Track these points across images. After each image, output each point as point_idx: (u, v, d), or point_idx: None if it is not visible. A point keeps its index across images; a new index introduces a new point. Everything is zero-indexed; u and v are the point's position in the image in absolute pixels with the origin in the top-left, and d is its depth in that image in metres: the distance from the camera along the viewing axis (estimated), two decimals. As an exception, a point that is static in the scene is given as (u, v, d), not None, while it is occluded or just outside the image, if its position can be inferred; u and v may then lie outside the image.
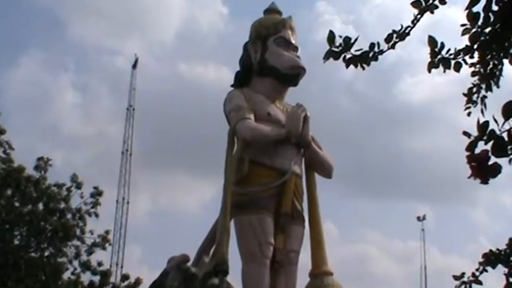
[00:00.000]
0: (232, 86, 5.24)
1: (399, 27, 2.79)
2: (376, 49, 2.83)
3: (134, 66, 27.26)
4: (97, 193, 19.12)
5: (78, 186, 19.03)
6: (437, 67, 2.82)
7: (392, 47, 2.81)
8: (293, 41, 5.20)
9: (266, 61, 5.08)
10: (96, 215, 18.85)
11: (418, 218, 28.39)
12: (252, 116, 4.79)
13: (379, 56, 2.84)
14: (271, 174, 4.76)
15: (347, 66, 2.83)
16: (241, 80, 5.19)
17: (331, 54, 2.80)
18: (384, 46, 2.82)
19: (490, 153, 2.08)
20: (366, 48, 2.79)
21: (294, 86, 5.22)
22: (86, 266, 18.29)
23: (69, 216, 18.49)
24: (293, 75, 5.09)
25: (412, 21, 2.78)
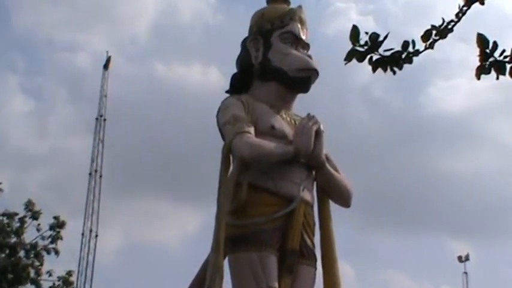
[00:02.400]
0: (227, 92, 5.24)
1: (440, 22, 2.76)
2: (410, 48, 2.81)
3: (106, 66, 27.23)
4: (57, 224, 18.64)
5: (34, 216, 18.58)
6: (488, 73, 2.78)
7: (431, 46, 2.76)
8: (303, 37, 5.20)
9: (270, 62, 5.08)
10: (56, 252, 18.45)
11: (460, 259, 27.59)
12: (252, 130, 4.76)
13: (414, 58, 2.81)
14: (275, 201, 4.75)
15: (374, 70, 2.80)
16: (239, 85, 5.19)
17: (354, 55, 2.76)
18: (419, 45, 2.81)
19: None
20: (395, 47, 2.80)
21: (304, 92, 5.20)
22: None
23: (21, 253, 18.15)
24: (303, 79, 5.08)
25: (457, 14, 2.72)
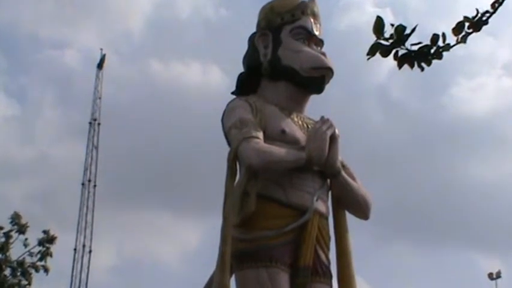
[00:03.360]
0: (233, 93, 5.26)
1: (474, 13, 2.71)
2: (440, 42, 2.78)
3: (100, 65, 27.22)
4: (47, 239, 18.34)
5: (21, 230, 18.34)
6: None
7: (463, 40, 2.71)
8: (316, 32, 5.21)
9: (280, 60, 5.09)
10: (46, 270, 18.13)
11: (491, 276, 27.43)
12: (260, 135, 4.75)
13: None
14: (286, 213, 4.73)
15: (400, 66, 2.78)
16: (246, 85, 5.21)
17: (378, 49, 2.74)
18: (450, 39, 2.77)
19: None
20: (417, 41, 2.77)
21: (318, 93, 5.20)
22: None
23: (7, 271, 17.90)
24: (316, 78, 5.08)
25: (493, 5, 2.66)
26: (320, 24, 5.27)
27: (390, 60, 3.38)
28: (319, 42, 5.22)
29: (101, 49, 28.25)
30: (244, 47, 5.35)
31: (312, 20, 5.21)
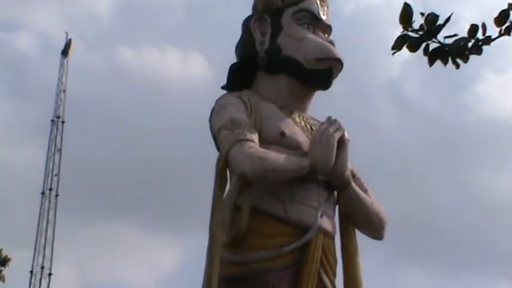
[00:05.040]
0: (223, 88, 5.25)
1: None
2: (479, 35, 2.73)
3: (65, 52, 26.90)
4: (0, 260, 18.45)
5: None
6: None
7: (508, 32, 2.68)
8: (323, 17, 5.21)
9: (280, 49, 5.09)
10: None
11: None
12: (255, 137, 4.73)
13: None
14: (285, 231, 4.71)
15: (431, 62, 2.78)
16: (239, 78, 5.18)
17: (406, 42, 2.73)
18: (492, 30, 2.73)
19: None
20: (457, 33, 2.74)
21: (324, 88, 5.19)
22: None
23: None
24: (323, 71, 5.07)
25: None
26: (327, 7, 5.25)
27: (403, 50, 3.38)
28: (327, 29, 5.20)
29: (66, 33, 28.05)
30: (234, 31, 5.33)
31: (318, 1, 5.20)
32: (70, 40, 27.37)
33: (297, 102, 5.08)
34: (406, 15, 2.72)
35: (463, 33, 2.95)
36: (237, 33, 5.33)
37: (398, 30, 3.30)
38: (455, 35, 2.83)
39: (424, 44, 2.83)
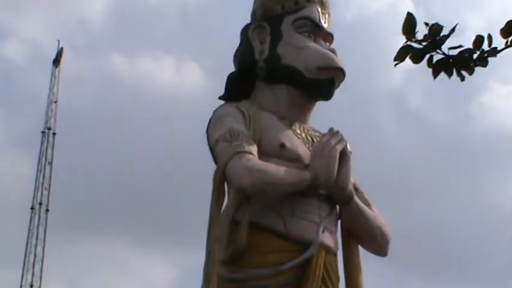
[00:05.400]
0: (221, 98, 5.24)
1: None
2: (485, 46, 2.74)
3: (56, 61, 26.79)
4: None
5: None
6: None
7: None
8: (324, 25, 5.21)
9: (279, 58, 5.09)
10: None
11: None
12: (254, 149, 4.71)
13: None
14: (285, 247, 4.69)
15: (435, 74, 2.79)
16: (237, 88, 5.19)
17: (408, 53, 2.74)
18: (498, 41, 2.74)
19: None
20: (462, 43, 2.75)
21: (326, 99, 5.19)
22: None
23: None
24: (324, 81, 5.07)
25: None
26: (329, 15, 5.24)
27: (406, 60, 3.42)
28: (328, 37, 5.20)
29: (58, 41, 28.00)
30: (230, 40, 5.33)
31: (319, 9, 5.19)
32: (62, 49, 27.35)
33: (297, 113, 5.07)
34: (409, 25, 2.73)
35: (469, 43, 2.97)
36: (233, 41, 5.33)
37: (401, 39, 3.34)
38: (460, 46, 2.86)
39: (427, 55, 2.84)
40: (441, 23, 2.92)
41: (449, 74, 2.91)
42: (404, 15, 2.90)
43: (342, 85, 5.19)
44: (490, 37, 2.84)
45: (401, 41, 3.19)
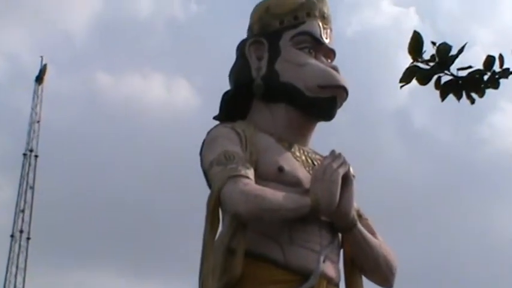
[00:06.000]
0: (215, 118, 5.25)
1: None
2: (496, 67, 2.72)
3: (39, 79, 26.73)
4: None
5: None
6: None
7: None
8: (326, 40, 5.22)
9: (278, 75, 5.09)
10: None
11: None
12: (251, 173, 4.69)
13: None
14: (283, 278, 4.67)
15: (443, 97, 2.79)
16: (233, 107, 5.20)
17: (415, 74, 2.72)
18: (509, 60, 2.73)
19: None
20: (471, 59, 2.73)
21: (327, 119, 5.18)
22: None
23: None
24: (326, 100, 5.07)
25: None
26: (331, 30, 5.24)
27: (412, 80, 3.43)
28: (330, 53, 5.19)
29: (41, 57, 27.90)
30: (223, 56, 5.37)
31: (320, 23, 5.18)
32: (45, 66, 27.19)
33: (296, 134, 5.06)
34: (416, 44, 2.74)
35: (477, 59, 2.98)
36: (226, 57, 5.33)
37: (406, 55, 3.35)
38: (469, 67, 2.86)
39: (435, 77, 2.85)
40: (448, 37, 2.99)
41: (459, 97, 2.92)
42: (409, 31, 2.95)
43: (343, 104, 5.18)
44: (501, 57, 2.83)
45: (406, 57, 3.20)
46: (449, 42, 2.97)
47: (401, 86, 3.03)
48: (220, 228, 4.71)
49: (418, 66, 2.91)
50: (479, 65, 3.03)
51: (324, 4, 5.27)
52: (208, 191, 4.75)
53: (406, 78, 2.92)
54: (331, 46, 5.21)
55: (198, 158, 5.00)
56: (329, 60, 5.19)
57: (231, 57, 5.32)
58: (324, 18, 5.23)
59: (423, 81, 2.92)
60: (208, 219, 4.66)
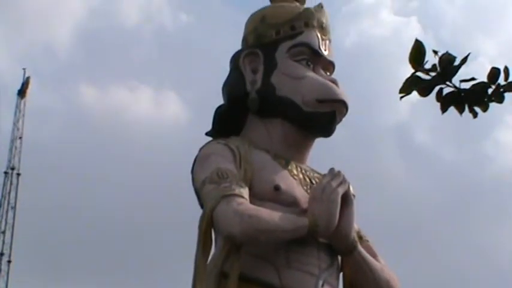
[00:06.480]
0: (208, 134, 5.25)
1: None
2: (501, 80, 2.70)
3: (21, 92, 26.60)
4: None
5: None
6: None
7: None
8: (325, 52, 5.22)
9: (274, 89, 5.08)
10: None
11: None
12: (245, 192, 4.67)
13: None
14: None
15: (444, 109, 2.75)
16: (226, 123, 5.19)
17: (416, 85, 2.69)
18: None
19: None
20: (474, 70, 2.71)
21: (326, 135, 5.17)
22: None
23: None
24: (324, 115, 5.06)
25: None
26: (330, 41, 5.24)
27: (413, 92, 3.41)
28: (329, 66, 5.18)
29: (24, 69, 27.67)
30: (215, 68, 5.44)
31: (318, 34, 5.17)
32: (28, 78, 26.95)
33: (293, 151, 5.04)
34: (417, 54, 2.73)
35: (481, 70, 2.99)
36: (218, 70, 5.32)
37: (407, 67, 3.34)
38: (473, 79, 2.85)
39: (437, 88, 2.85)
40: (451, 48, 2.97)
41: (461, 110, 2.91)
42: (411, 41, 2.95)
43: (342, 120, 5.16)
44: (506, 70, 2.82)
45: (407, 69, 3.19)
46: (453, 53, 2.98)
47: (401, 97, 3.02)
48: (213, 251, 4.67)
49: (419, 77, 2.87)
50: (483, 77, 3.04)
51: (322, 14, 5.26)
52: (200, 211, 4.72)
53: (406, 89, 2.91)
54: (330, 58, 5.20)
55: (189, 175, 4.98)
56: (328, 73, 5.18)
57: (224, 70, 5.30)
58: (323, 28, 5.23)
59: (424, 92, 2.92)
60: (200, 241, 4.61)
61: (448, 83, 2.92)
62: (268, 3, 5.42)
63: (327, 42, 5.23)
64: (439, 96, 2.96)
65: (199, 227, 4.63)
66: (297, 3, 5.32)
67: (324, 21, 5.26)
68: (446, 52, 2.91)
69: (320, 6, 5.29)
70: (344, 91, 5.09)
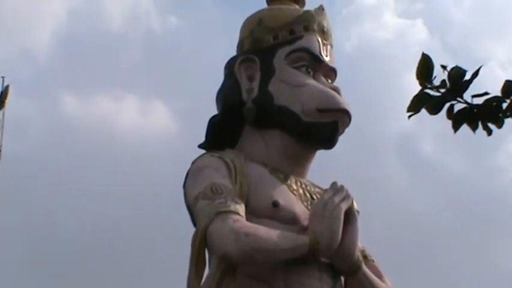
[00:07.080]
0: (201, 146, 5.26)
1: None
2: None
3: (0, 102, 26.58)
4: None
5: None
6: None
7: None
8: (326, 58, 5.22)
9: (271, 98, 5.09)
10: None
11: None
12: (241, 208, 4.64)
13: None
14: None
15: (456, 127, 2.74)
16: (221, 134, 5.20)
17: (424, 102, 2.64)
18: None
19: None
20: (486, 82, 2.67)
21: (328, 147, 5.16)
22: None
23: None
24: (326, 126, 5.06)
25: None
26: (331, 46, 5.25)
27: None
28: (330, 73, 5.18)
29: (3, 78, 27.49)
30: (206, 75, 5.36)
31: (319, 39, 5.19)
32: (7, 87, 26.75)
33: (293, 164, 5.01)
34: (424, 69, 2.72)
35: (494, 79, 2.95)
36: (210, 77, 5.29)
37: (412, 73, 3.32)
38: (485, 93, 2.82)
39: (447, 105, 2.83)
40: (460, 52, 2.98)
41: (474, 128, 2.92)
42: (416, 45, 3.02)
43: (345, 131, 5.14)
44: None
45: (413, 75, 3.16)
46: (462, 58, 3.02)
47: (409, 116, 3.02)
48: (206, 271, 4.63)
49: (428, 93, 2.85)
50: (494, 85, 3.03)
51: (323, 17, 5.26)
52: (193, 229, 4.68)
53: (414, 107, 2.91)
54: (331, 64, 5.19)
55: (180, 190, 4.96)
56: (329, 81, 5.16)
57: (217, 77, 5.27)
58: (324, 32, 5.24)
59: (433, 110, 2.94)
60: (193, 261, 4.57)
61: (459, 99, 2.90)
62: (265, 5, 5.43)
63: (328, 47, 5.23)
64: (450, 114, 2.97)
65: (192, 245, 4.58)
66: (296, 6, 5.35)
67: (325, 24, 5.29)
68: (456, 66, 2.92)
69: (321, 9, 5.30)
70: (346, 100, 5.07)
